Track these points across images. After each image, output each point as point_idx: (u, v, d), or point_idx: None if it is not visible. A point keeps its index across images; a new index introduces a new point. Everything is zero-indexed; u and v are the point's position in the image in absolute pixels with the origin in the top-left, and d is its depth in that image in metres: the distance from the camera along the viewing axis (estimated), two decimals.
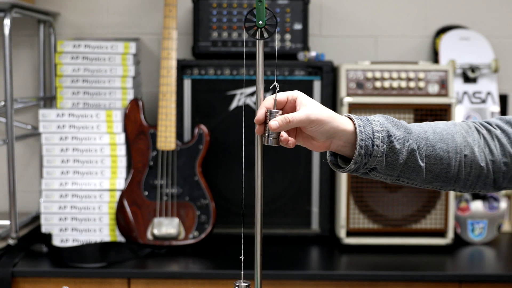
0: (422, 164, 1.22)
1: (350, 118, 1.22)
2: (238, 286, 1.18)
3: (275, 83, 1.18)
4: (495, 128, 1.30)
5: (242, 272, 1.20)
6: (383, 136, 1.20)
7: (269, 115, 1.17)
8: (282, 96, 1.20)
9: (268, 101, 1.19)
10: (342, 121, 1.20)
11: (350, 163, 1.22)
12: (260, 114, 1.18)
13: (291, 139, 1.19)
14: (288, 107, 1.21)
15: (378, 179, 1.25)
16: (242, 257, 1.18)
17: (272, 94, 1.19)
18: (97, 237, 2.40)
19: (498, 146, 1.27)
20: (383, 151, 1.20)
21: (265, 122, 1.18)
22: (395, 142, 1.20)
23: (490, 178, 1.27)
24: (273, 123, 1.16)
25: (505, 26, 2.75)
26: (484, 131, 1.29)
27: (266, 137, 1.17)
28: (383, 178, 1.24)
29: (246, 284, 1.17)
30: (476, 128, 1.30)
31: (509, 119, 1.31)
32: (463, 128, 1.28)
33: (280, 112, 1.18)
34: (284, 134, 1.19)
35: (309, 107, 1.18)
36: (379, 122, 1.21)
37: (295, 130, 1.22)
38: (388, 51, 2.75)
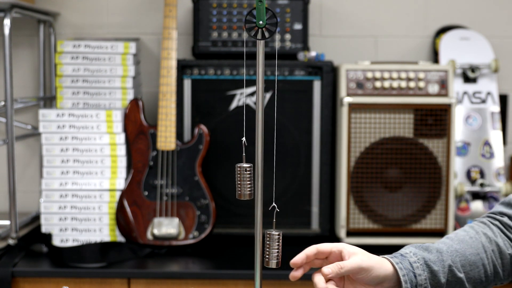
0: (461, 275, 1.29)
1: (386, 259, 1.28)
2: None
3: (274, 204, 1.22)
4: (502, 217, 1.38)
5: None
6: (421, 265, 1.27)
7: (268, 239, 1.21)
8: (326, 247, 1.26)
9: (310, 249, 1.26)
10: (386, 264, 1.26)
11: None
12: (297, 258, 1.26)
13: (299, 272, 1.26)
14: (332, 258, 1.26)
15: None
16: (243, 138, 1.19)
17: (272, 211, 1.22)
18: (97, 237, 2.40)
19: None
20: (426, 277, 1.26)
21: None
22: (432, 265, 1.27)
23: None
24: (326, 270, 1.21)
25: (505, 26, 2.75)
26: (497, 222, 1.37)
27: (268, 260, 1.22)
28: None
29: (249, 165, 1.18)
30: (490, 222, 1.38)
31: (509, 200, 1.39)
32: (480, 226, 1.36)
33: (280, 234, 1.23)
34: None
35: (359, 256, 1.24)
36: (412, 253, 1.28)
37: (343, 279, 1.26)
38: (388, 51, 2.75)
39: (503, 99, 2.70)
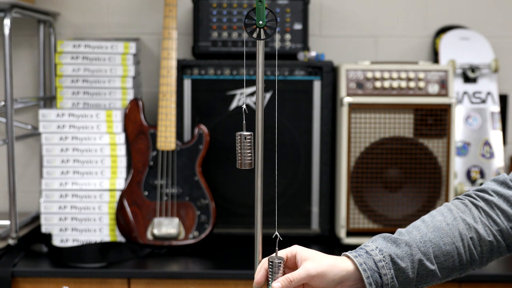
0: (433, 267, 1.24)
1: (348, 257, 1.23)
2: (240, 135, 1.17)
3: (277, 233, 1.20)
4: (491, 196, 1.29)
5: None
6: (386, 263, 1.21)
7: (271, 267, 1.19)
8: (281, 254, 1.22)
9: (265, 263, 1.21)
10: (344, 264, 1.21)
11: None
12: (259, 276, 1.20)
13: None
14: (290, 263, 1.23)
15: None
16: (244, 106, 1.19)
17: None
18: (97, 237, 2.40)
19: (500, 214, 1.27)
20: (392, 276, 1.21)
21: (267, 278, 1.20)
22: (400, 262, 1.22)
23: (503, 247, 1.28)
24: (276, 285, 1.18)
25: (505, 26, 2.75)
26: (482, 203, 1.29)
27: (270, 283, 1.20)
28: None
29: (249, 133, 1.18)
30: (472, 203, 1.30)
31: (503, 179, 1.31)
32: (460, 210, 1.29)
33: (282, 261, 1.20)
34: None
35: (308, 263, 1.20)
36: (378, 249, 1.23)
37: (301, 285, 1.23)
38: (388, 51, 2.75)
39: (503, 99, 2.70)
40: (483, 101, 2.59)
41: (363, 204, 2.38)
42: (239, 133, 1.18)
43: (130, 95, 2.47)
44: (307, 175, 2.47)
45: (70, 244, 2.40)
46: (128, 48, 2.46)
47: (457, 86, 2.59)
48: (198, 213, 2.38)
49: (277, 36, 2.48)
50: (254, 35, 1.15)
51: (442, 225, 1.26)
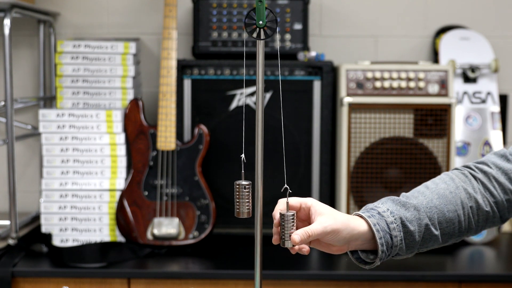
0: (437, 232, 1.28)
1: (361, 217, 1.25)
2: (239, 185, 1.16)
3: (286, 186, 1.19)
4: (491, 168, 1.33)
5: (243, 171, 1.19)
6: (397, 225, 1.24)
7: (282, 218, 1.19)
8: (295, 202, 1.23)
9: (281, 204, 1.21)
10: (356, 223, 1.23)
11: (373, 257, 1.26)
12: (276, 220, 1.20)
13: (306, 247, 1.21)
14: (302, 214, 1.24)
15: (401, 258, 1.30)
16: (243, 155, 1.18)
17: (283, 197, 1.20)
18: (97, 237, 2.40)
19: (497, 186, 1.32)
20: (401, 238, 1.24)
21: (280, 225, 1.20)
22: (409, 225, 1.25)
23: (497, 217, 1.33)
24: (296, 237, 1.18)
25: (505, 26, 2.75)
26: (480, 175, 1.33)
27: (283, 240, 1.19)
28: (405, 257, 1.29)
29: (247, 183, 1.17)
30: (472, 174, 1.34)
31: (503, 152, 1.35)
32: (461, 180, 1.32)
33: (294, 214, 1.19)
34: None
35: (324, 218, 1.20)
36: (389, 211, 1.25)
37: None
38: (388, 51, 2.75)
39: (503, 99, 2.70)
40: (483, 101, 2.59)
41: (363, 204, 2.38)
42: (237, 182, 1.17)
43: (130, 95, 2.47)
44: (307, 175, 2.47)
45: (70, 244, 2.40)
46: (128, 48, 2.46)
47: (457, 86, 2.59)
48: (198, 213, 2.38)
49: (277, 36, 2.48)
50: (254, 35, 1.15)
51: (445, 193, 1.29)
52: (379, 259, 1.23)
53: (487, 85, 2.61)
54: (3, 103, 2.31)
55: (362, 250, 1.26)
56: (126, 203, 2.37)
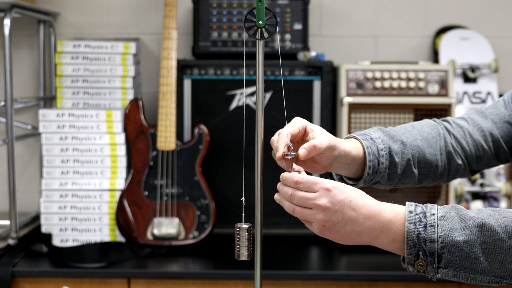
0: (415, 170, 1.32)
1: (355, 138, 1.29)
2: (239, 228, 1.16)
3: (289, 143, 1.18)
4: (468, 123, 1.40)
5: (243, 214, 1.19)
6: (385, 153, 1.28)
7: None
8: (295, 128, 1.22)
9: (284, 134, 1.20)
10: (345, 144, 1.26)
11: (355, 180, 1.30)
12: (280, 151, 1.19)
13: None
14: (298, 137, 1.24)
15: (378, 188, 1.34)
16: (243, 199, 1.19)
17: (286, 154, 1.19)
18: (97, 237, 2.40)
19: (470, 142, 1.38)
20: (386, 167, 1.28)
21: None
22: (395, 156, 1.29)
23: (467, 170, 1.40)
24: (302, 151, 1.19)
25: (505, 26, 2.75)
26: (456, 130, 1.39)
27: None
28: (383, 188, 1.33)
29: (248, 226, 1.17)
30: (446, 128, 1.40)
31: (484, 109, 1.42)
32: (442, 130, 1.39)
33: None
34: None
35: (323, 134, 1.23)
36: (380, 139, 1.29)
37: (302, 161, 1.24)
38: (388, 51, 2.75)
39: None
40: (483, 101, 2.60)
41: None
42: (238, 225, 1.17)
43: (130, 95, 2.47)
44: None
45: (70, 244, 2.40)
46: (128, 48, 2.46)
47: (457, 86, 2.59)
48: (198, 213, 2.38)
49: (278, 36, 2.48)
50: (254, 35, 1.15)
51: (428, 137, 1.35)
52: (363, 180, 1.27)
53: (487, 85, 2.61)
54: (3, 103, 2.31)
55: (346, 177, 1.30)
56: (126, 203, 2.37)
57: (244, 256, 1.18)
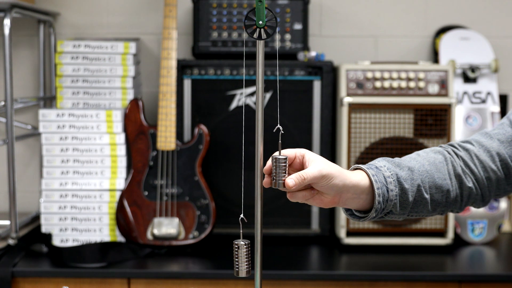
0: (427, 196, 1.30)
1: (360, 169, 1.28)
2: (237, 245, 1.17)
3: (279, 126, 1.19)
4: (473, 145, 1.38)
5: (241, 231, 1.20)
6: (394, 180, 1.27)
7: (275, 162, 1.19)
8: (290, 152, 1.23)
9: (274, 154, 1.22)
10: (350, 174, 1.25)
11: (367, 212, 1.28)
12: (267, 165, 1.20)
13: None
14: (296, 164, 1.24)
15: (393, 219, 1.33)
16: (242, 215, 1.19)
17: (276, 137, 1.19)
18: (97, 237, 2.40)
19: (478, 164, 1.35)
20: (396, 194, 1.27)
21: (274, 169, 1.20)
22: (404, 183, 1.28)
23: (479, 195, 1.36)
24: (290, 181, 1.19)
25: (505, 26, 2.75)
26: (463, 153, 1.37)
27: (275, 181, 1.19)
28: (397, 218, 1.31)
29: (246, 242, 1.17)
30: (454, 152, 1.38)
31: (489, 131, 1.39)
32: (449, 155, 1.37)
33: (287, 158, 1.19)
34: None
35: (319, 163, 1.22)
36: (386, 167, 1.29)
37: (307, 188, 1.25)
38: (388, 51, 2.75)
39: (503, 99, 2.70)
40: (483, 101, 2.60)
41: None
42: (236, 242, 1.18)
43: (130, 95, 2.48)
44: None
45: (70, 244, 2.40)
46: (128, 48, 2.46)
47: (457, 86, 2.59)
48: (198, 213, 2.38)
49: (277, 36, 2.48)
50: (254, 35, 1.15)
51: (436, 162, 1.33)
52: (374, 210, 1.25)
53: (487, 85, 2.61)
54: (3, 103, 2.31)
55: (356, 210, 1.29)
56: (126, 203, 2.37)
57: (242, 273, 1.19)
